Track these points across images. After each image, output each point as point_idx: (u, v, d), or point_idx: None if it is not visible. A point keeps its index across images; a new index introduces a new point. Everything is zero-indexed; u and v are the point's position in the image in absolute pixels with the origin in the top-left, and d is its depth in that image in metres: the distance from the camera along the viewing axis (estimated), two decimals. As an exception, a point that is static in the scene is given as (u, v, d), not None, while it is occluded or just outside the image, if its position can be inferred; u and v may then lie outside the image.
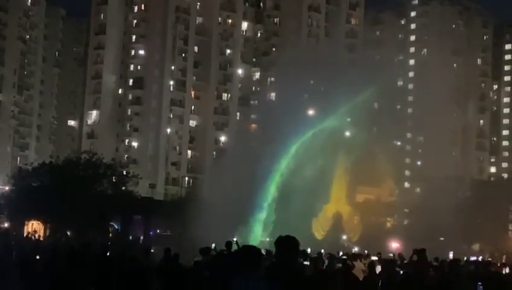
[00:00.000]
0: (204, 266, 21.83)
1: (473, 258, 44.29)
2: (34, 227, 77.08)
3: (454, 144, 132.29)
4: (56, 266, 20.16)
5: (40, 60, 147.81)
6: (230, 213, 59.28)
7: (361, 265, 27.17)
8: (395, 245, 63.12)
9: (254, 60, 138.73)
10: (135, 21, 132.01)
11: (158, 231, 79.79)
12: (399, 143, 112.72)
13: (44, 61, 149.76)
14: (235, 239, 33.95)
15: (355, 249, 52.27)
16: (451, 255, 43.38)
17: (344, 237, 75.86)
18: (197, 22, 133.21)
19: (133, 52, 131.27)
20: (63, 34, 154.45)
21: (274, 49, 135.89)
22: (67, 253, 20.88)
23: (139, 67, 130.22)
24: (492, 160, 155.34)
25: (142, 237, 75.65)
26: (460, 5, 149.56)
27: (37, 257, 24.70)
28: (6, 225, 75.98)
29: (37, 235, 69.05)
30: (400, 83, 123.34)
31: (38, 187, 77.87)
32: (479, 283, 21.77)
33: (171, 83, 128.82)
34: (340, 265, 24.60)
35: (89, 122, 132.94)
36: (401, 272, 23.60)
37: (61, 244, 40.87)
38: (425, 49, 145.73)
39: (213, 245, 27.85)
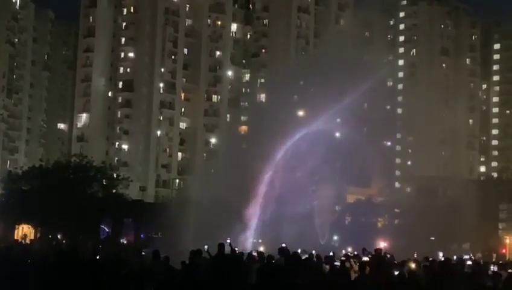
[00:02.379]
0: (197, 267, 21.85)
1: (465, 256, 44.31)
2: (25, 231, 76.81)
3: (443, 143, 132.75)
4: (46, 269, 20.13)
5: (29, 63, 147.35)
6: (221, 215, 59.27)
7: (354, 266, 27.32)
8: (383, 245, 63.33)
9: (244, 61, 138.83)
10: (124, 23, 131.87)
11: (149, 233, 79.61)
12: (389, 143, 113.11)
13: (34, 65, 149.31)
14: (228, 241, 33.89)
15: (349, 250, 52.28)
16: (441, 255, 43.49)
17: (335, 237, 75.94)
18: (186, 24, 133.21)
19: (122, 54, 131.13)
20: (52, 37, 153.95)
21: (263, 50, 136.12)
22: (57, 257, 20.84)
23: (128, 69, 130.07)
24: (482, 159, 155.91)
25: (132, 240, 75.46)
26: (449, 5, 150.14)
27: (28, 261, 24.65)
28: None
29: (27, 239, 68.81)
30: (390, 83, 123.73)
31: (29, 191, 77.65)
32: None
33: (161, 85, 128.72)
34: (328, 266, 24.73)
35: (79, 125, 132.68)
36: (396, 273, 23.75)
37: (51, 248, 40.79)
38: (414, 50, 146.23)
39: (206, 247, 27.76)
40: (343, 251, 42.85)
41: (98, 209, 72.44)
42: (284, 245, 29.16)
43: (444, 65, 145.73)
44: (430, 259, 30.82)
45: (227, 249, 25.28)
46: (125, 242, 74.66)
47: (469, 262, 33.87)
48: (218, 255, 22.29)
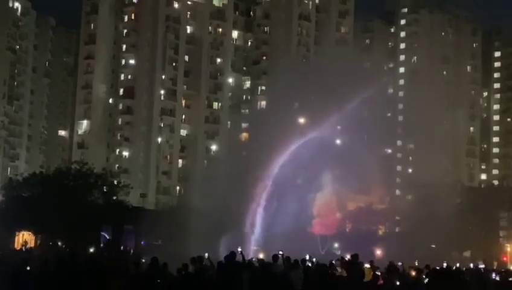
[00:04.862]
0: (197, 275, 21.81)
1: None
2: (25, 238, 76.74)
3: (444, 151, 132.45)
4: (46, 277, 20.10)
5: (30, 70, 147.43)
6: (221, 222, 59.27)
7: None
8: (379, 252, 63.44)
9: (244, 68, 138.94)
10: (125, 31, 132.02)
11: (150, 240, 79.49)
12: (390, 151, 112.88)
13: (35, 72, 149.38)
14: (239, 249, 33.77)
15: (347, 257, 52.28)
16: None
17: (336, 244, 75.85)
18: (187, 31, 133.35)
19: (123, 61, 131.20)
20: (52, 44, 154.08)
21: (264, 57, 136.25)
22: (57, 264, 20.81)
23: (129, 76, 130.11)
24: (482, 167, 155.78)
25: (132, 247, 75.29)
26: (450, 13, 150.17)
27: (28, 268, 24.59)
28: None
29: (27, 246, 68.71)
30: (390, 90, 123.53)
31: (29, 198, 77.62)
32: None
33: (162, 92, 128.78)
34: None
35: (80, 132, 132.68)
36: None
37: (51, 255, 40.74)
38: (415, 57, 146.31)
39: (206, 255, 27.77)
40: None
41: (98, 216, 72.36)
42: (281, 253, 29.08)
43: (444, 73, 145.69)
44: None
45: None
46: (125, 249, 74.52)
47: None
48: (230, 263, 22.27)
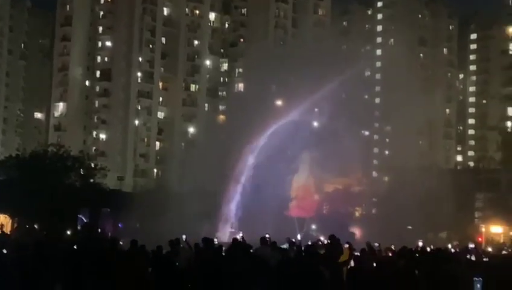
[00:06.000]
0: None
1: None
2: (1, 221, 76.30)
3: (421, 133, 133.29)
4: (24, 260, 20.06)
5: (5, 52, 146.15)
6: (199, 205, 59.34)
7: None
8: (356, 233, 63.80)
9: (222, 51, 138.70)
10: (102, 12, 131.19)
11: (127, 223, 79.36)
12: (367, 133, 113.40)
13: (10, 54, 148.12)
14: (240, 234, 33.83)
15: (321, 238, 52.47)
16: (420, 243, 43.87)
17: (313, 226, 76.15)
18: (164, 13, 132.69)
19: (100, 44, 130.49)
20: (28, 25, 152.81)
21: (242, 40, 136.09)
22: (35, 247, 20.77)
23: (106, 59, 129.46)
24: (458, 149, 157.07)
25: (110, 230, 75.19)
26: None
27: (4, 251, 24.52)
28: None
29: (4, 230, 68.32)
30: (368, 73, 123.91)
31: (5, 181, 77.12)
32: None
33: (139, 74, 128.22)
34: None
35: (56, 114, 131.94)
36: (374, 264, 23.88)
37: (28, 238, 40.61)
38: (392, 39, 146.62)
39: (184, 237, 27.87)
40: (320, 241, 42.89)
41: (75, 199, 72.11)
42: (268, 236, 29.23)
43: (421, 55, 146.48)
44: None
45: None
46: (103, 232, 74.36)
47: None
48: (233, 247, 22.40)
